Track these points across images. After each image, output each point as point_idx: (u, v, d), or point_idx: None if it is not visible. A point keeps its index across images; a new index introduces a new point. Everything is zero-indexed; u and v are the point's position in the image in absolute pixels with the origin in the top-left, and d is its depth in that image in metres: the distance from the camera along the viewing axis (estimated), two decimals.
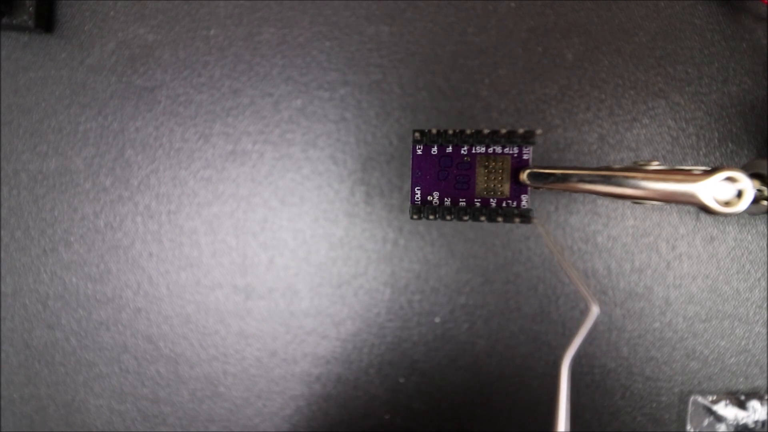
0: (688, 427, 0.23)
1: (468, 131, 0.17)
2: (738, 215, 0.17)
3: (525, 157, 0.17)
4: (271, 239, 0.24)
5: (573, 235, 0.23)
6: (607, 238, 0.23)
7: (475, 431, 0.24)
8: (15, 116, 0.24)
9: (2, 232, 0.24)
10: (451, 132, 0.17)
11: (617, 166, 0.16)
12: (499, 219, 0.17)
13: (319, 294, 0.24)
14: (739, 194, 0.15)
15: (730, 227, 0.22)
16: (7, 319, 0.25)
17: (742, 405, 0.23)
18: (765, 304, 0.22)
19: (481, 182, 0.18)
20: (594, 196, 0.22)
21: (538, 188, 0.17)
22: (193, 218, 0.24)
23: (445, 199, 0.18)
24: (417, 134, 0.17)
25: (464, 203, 0.18)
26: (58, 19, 0.24)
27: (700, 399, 0.23)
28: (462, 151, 0.18)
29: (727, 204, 0.15)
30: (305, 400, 0.24)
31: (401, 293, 0.23)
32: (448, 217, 0.17)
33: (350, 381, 0.24)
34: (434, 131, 0.17)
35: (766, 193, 0.17)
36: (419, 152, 0.18)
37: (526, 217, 0.17)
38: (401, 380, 0.24)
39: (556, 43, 0.22)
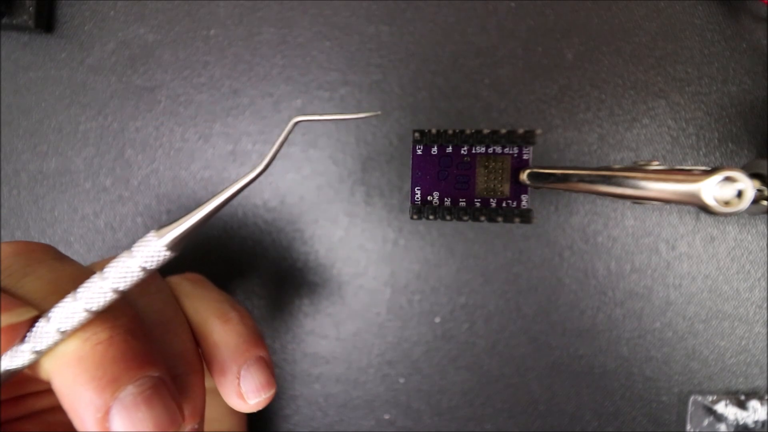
0: (688, 427, 0.23)
1: (468, 131, 0.17)
2: (738, 215, 0.17)
3: (525, 157, 0.17)
4: (271, 239, 0.24)
5: (573, 235, 0.23)
6: (607, 238, 0.23)
7: (475, 431, 0.24)
8: (15, 116, 0.24)
9: (2, 232, 0.24)
10: (451, 132, 0.17)
11: (617, 166, 0.16)
12: (499, 219, 0.17)
13: (319, 294, 0.24)
14: (739, 194, 0.15)
15: (730, 227, 0.22)
16: None
17: (742, 405, 0.23)
18: (765, 304, 0.22)
19: (481, 182, 0.18)
20: (594, 196, 0.22)
21: (538, 188, 0.17)
22: None
23: (445, 199, 0.18)
24: (417, 134, 0.17)
25: (464, 203, 0.18)
26: (58, 19, 0.24)
27: (700, 399, 0.23)
28: (462, 151, 0.18)
29: (727, 204, 0.15)
30: (305, 400, 0.24)
31: (401, 293, 0.23)
32: (448, 217, 0.17)
33: (350, 381, 0.24)
34: (434, 131, 0.17)
35: (766, 193, 0.17)
36: (419, 152, 0.18)
37: (526, 217, 0.17)
38: (401, 380, 0.24)
39: (556, 43, 0.22)
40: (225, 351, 0.16)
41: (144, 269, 0.12)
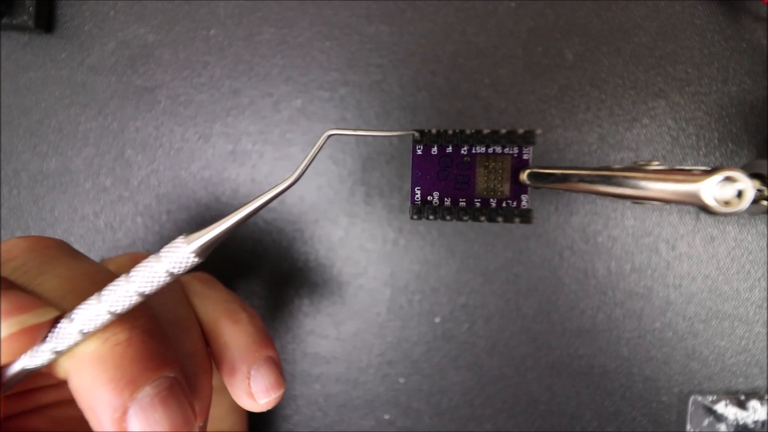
0: (688, 427, 0.23)
1: (468, 131, 0.17)
2: (738, 215, 0.17)
3: (525, 157, 0.17)
4: (271, 239, 0.24)
5: (573, 235, 0.23)
6: (607, 238, 0.23)
7: (475, 431, 0.24)
8: (15, 116, 0.24)
9: (2, 232, 0.24)
10: (451, 132, 0.17)
11: (617, 166, 0.16)
12: (499, 219, 0.17)
13: (319, 294, 0.24)
14: (739, 194, 0.15)
15: (730, 227, 0.22)
16: None
17: (742, 405, 0.23)
18: (765, 304, 0.22)
19: (481, 182, 0.18)
20: (594, 196, 0.22)
21: (538, 188, 0.17)
22: (193, 218, 0.24)
23: (445, 199, 0.18)
24: (417, 134, 0.17)
25: (464, 203, 0.18)
26: (58, 19, 0.24)
27: (700, 399, 0.23)
28: (462, 151, 0.18)
29: (727, 204, 0.15)
30: (305, 400, 0.24)
31: (401, 293, 0.23)
32: (448, 217, 0.17)
33: (350, 381, 0.24)
34: (434, 131, 0.17)
35: (766, 193, 0.17)
36: (419, 152, 0.18)
37: (526, 217, 0.17)
38: (401, 380, 0.24)
39: (556, 43, 0.22)
40: (235, 351, 0.16)
41: (171, 274, 0.12)
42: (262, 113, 0.23)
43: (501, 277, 0.23)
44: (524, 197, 0.18)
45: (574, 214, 0.23)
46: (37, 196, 0.24)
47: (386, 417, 0.24)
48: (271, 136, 0.23)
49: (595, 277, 0.23)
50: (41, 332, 0.12)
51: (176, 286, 0.17)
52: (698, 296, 0.23)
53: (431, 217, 0.18)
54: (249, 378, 0.16)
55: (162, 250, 0.12)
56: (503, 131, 0.17)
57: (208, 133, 0.23)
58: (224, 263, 0.24)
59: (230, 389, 0.16)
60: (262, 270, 0.24)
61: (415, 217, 0.18)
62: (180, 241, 0.12)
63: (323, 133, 0.14)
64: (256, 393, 0.16)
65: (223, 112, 0.23)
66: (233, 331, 0.16)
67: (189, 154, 0.24)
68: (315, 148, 0.13)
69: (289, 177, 0.12)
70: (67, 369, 0.12)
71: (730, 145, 0.22)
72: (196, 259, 0.12)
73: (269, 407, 0.16)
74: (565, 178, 0.17)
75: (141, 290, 0.12)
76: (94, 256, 0.24)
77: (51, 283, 0.13)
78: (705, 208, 0.15)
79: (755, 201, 0.16)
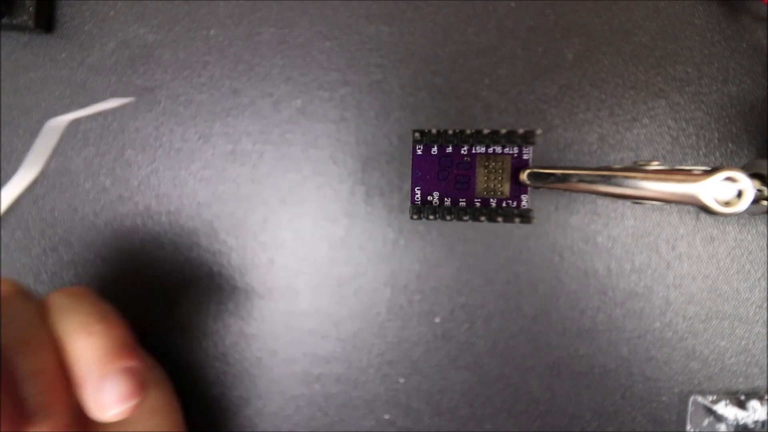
0: (688, 427, 0.23)
1: (468, 131, 0.17)
2: (738, 215, 0.17)
3: (525, 157, 0.17)
4: (271, 239, 0.24)
5: (573, 235, 0.23)
6: (607, 238, 0.23)
7: (475, 431, 0.24)
8: (15, 116, 0.24)
9: (2, 232, 0.24)
10: (451, 132, 0.17)
11: (617, 166, 0.16)
12: (499, 219, 0.17)
13: (319, 294, 0.24)
14: (739, 194, 0.15)
15: (730, 227, 0.22)
16: None
17: (742, 405, 0.23)
18: (765, 304, 0.22)
19: (481, 182, 0.18)
20: (594, 196, 0.22)
21: (538, 188, 0.17)
22: (193, 218, 0.24)
23: (445, 199, 0.18)
24: (417, 134, 0.17)
25: (464, 203, 0.18)
26: (58, 19, 0.24)
27: (700, 399, 0.23)
28: (462, 151, 0.18)
29: (727, 204, 0.15)
30: (305, 400, 0.24)
31: (401, 293, 0.23)
32: (448, 217, 0.17)
33: (350, 381, 0.24)
34: (434, 131, 0.17)
35: (766, 193, 0.17)
36: (419, 152, 0.18)
37: (526, 217, 0.17)
38: (401, 380, 0.24)
39: (556, 43, 0.22)
40: (84, 365, 0.16)
41: None
42: (262, 113, 0.23)
43: (501, 277, 0.23)
44: (524, 197, 0.18)
45: (574, 214, 0.23)
46: (37, 196, 0.24)
47: (386, 417, 0.24)
48: (271, 136, 0.23)
49: (595, 277, 0.23)
50: None
51: (27, 306, 0.17)
52: (698, 296, 0.23)
53: (431, 217, 0.18)
54: (98, 391, 0.16)
55: None
56: (503, 131, 0.17)
57: (208, 133, 0.23)
58: (223, 264, 0.24)
59: (82, 403, 0.16)
60: (261, 270, 0.24)
61: (415, 217, 0.18)
62: None
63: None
64: (105, 405, 0.16)
65: (223, 112, 0.23)
66: (83, 345, 0.16)
67: (189, 154, 0.24)
68: (41, 139, 0.12)
69: (24, 171, 0.11)
70: None
71: (730, 145, 0.22)
72: None
73: (120, 418, 0.16)
74: (565, 178, 0.17)
75: None
76: (94, 255, 0.24)
77: None
78: (705, 208, 0.15)
79: (755, 201, 0.16)
